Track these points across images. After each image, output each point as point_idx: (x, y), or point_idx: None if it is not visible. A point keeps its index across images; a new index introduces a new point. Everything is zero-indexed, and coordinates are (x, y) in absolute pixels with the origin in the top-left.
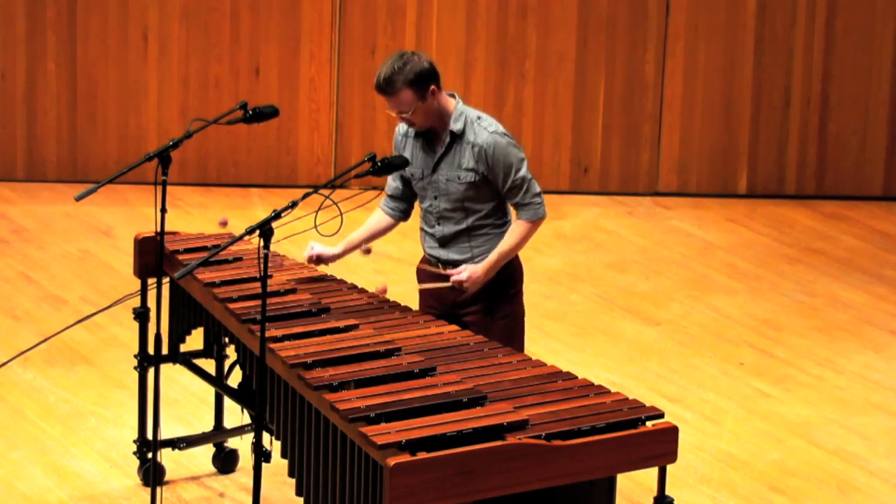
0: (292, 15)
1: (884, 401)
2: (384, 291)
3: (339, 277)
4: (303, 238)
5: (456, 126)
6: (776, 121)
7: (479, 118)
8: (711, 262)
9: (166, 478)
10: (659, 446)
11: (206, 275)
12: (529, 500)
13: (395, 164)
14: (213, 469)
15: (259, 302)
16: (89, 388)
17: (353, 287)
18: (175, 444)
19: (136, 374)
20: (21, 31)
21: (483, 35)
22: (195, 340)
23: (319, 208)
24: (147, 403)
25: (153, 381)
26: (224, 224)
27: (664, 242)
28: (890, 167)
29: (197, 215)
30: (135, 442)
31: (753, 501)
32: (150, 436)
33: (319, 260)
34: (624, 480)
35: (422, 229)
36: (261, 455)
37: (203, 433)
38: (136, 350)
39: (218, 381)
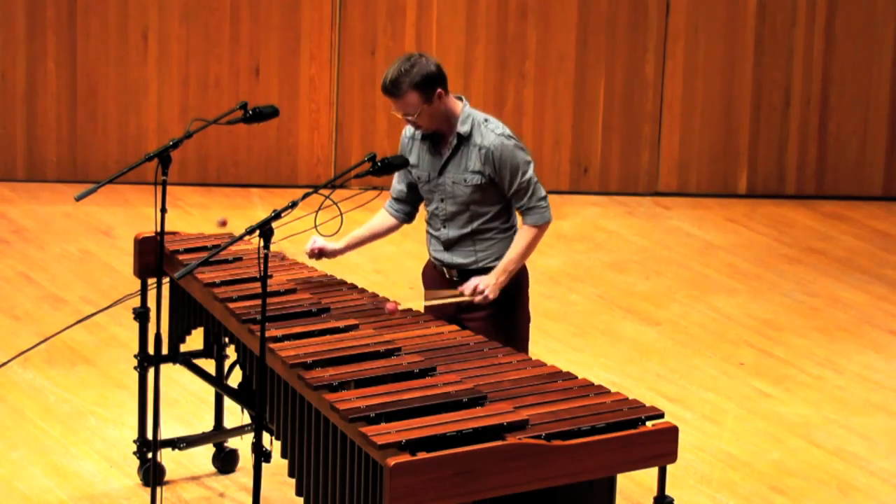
0: (292, 15)
1: (884, 401)
2: (395, 311)
3: (339, 277)
4: (303, 238)
5: (463, 129)
6: (776, 121)
7: (486, 121)
8: (711, 262)
9: (166, 478)
10: (659, 446)
11: (206, 275)
12: (529, 500)
13: (395, 164)
14: (213, 469)
15: (259, 302)
16: (89, 388)
17: (353, 287)
18: (175, 444)
19: (136, 374)
20: (21, 31)
21: (483, 35)
22: (195, 340)
23: (319, 208)
24: (147, 403)
25: (153, 381)
26: (223, 224)
27: (664, 242)
28: (890, 167)
29: (197, 215)
30: (135, 442)
31: (753, 501)
32: (150, 436)
33: (321, 254)
34: (624, 480)
35: (427, 232)
36: (261, 455)
37: (203, 433)
38: (136, 350)
39: (218, 381)
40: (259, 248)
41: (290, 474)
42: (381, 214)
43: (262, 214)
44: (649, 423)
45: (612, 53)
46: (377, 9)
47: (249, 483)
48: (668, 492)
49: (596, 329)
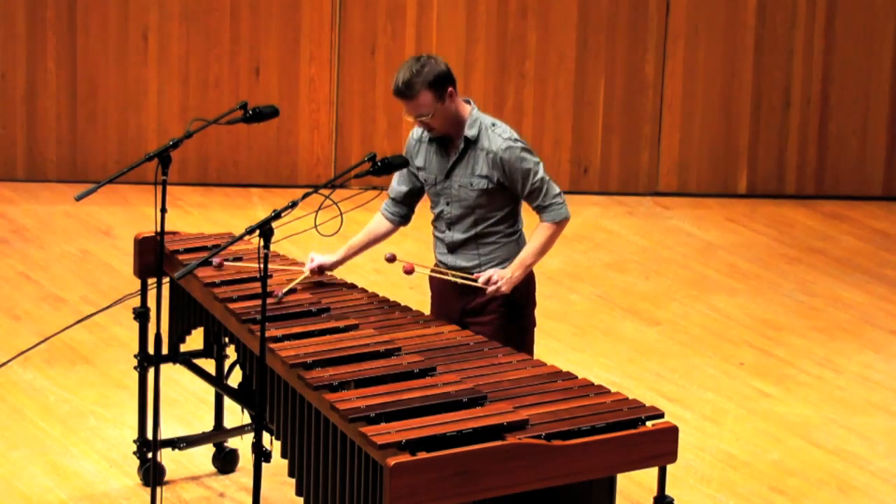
0: (292, 15)
1: (884, 401)
2: (411, 270)
3: (339, 277)
4: (303, 238)
5: (470, 132)
6: (776, 121)
7: (493, 125)
8: (711, 262)
9: (166, 478)
10: (659, 446)
11: (206, 275)
12: (529, 500)
13: (395, 164)
14: (213, 469)
15: (259, 302)
16: (89, 388)
17: (353, 287)
18: (175, 444)
19: (136, 374)
20: (21, 31)
21: (483, 35)
22: (195, 340)
23: (319, 208)
24: (147, 403)
25: (153, 381)
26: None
27: (664, 242)
28: (890, 167)
29: (197, 215)
30: (135, 442)
31: (753, 501)
32: (150, 436)
33: (321, 269)
34: (624, 480)
35: (434, 235)
36: (261, 455)
37: (203, 433)
38: (136, 350)
39: (218, 381)
40: (259, 248)
41: (290, 474)
42: (377, 219)
43: (262, 214)
44: (649, 423)
45: (612, 53)
46: (377, 9)
47: (249, 483)
48: (668, 492)
49: (596, 329)
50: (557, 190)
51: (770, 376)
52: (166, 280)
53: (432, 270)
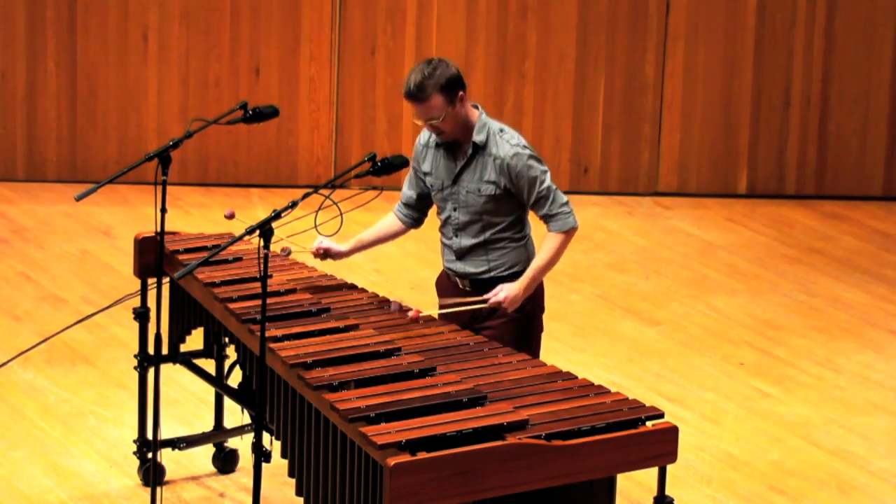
0: (292, 15)
1: (884, 401)
2: (417, 316)
3: (338, 277)
4: (303, 238)
5: (479, 137)
6: (776, 121)
7: (501, 131)
8: (711, 262)
9: (166, 478)
10: (659, 446)
11: (206, 275)
12: (529, 500)
13: (395, 164)
14: (213, 469)
15: (259, 302)
16: (89, 388)
17: (353, 287)
18: (175, 444)
19: (136, 374)
20: (21, 31)
21: (483, 35)
22: (195, 340)
23: (319, 208)
24: (147, 403)
25: (153, 381)
26: (231, 216)
27: (664, 242)
28: (890, 167)
29: (197, 215)
30: (135, 442)
31: (753, 501)
32: (150, 436)
33: (326, 254)
34: (624, 480)
35: (441, 241)
36: (261, 455)
37: (203, 433)
38: (136, 350)
39: (218, 381)
40: (259, 248)
41: (290, 474)
42: (390, 218)
43: (262, 214)
44: (649, 423)
45: (612, 53)
46: (377, 9)
47: (249, 483)
48: (668, 492)
49: (596, 329)
50: (565, 199)
51: (770, 376)
52: (166, 280)
53: (439, 314)
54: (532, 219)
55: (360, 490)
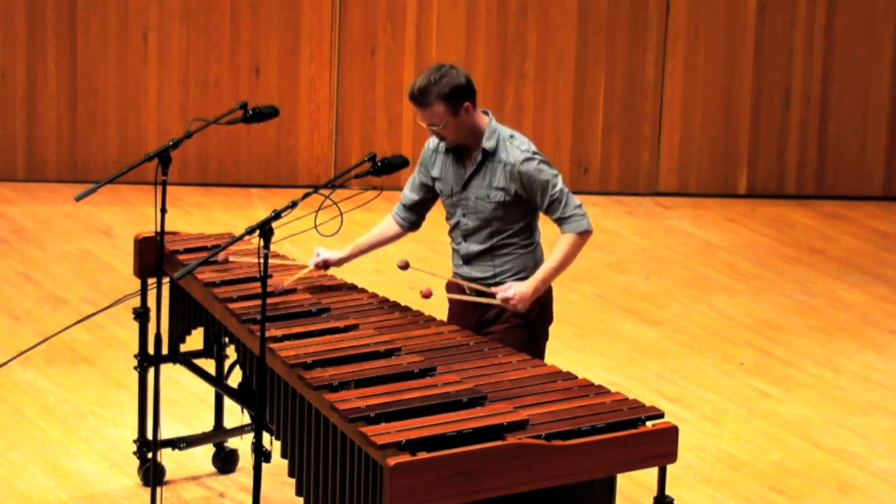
0: (292, 15)
1: (884, 401)
2: (429, 294)
3: (338, 277)
4: (303, 238)
5: (488, 144)
6: (776, 121)
7: (511, 137)
8: (711, 262)
9: (166, 478)
10: (659, 446)
11: (206, 275)
12: (529, 500)
13: (395, 164)
14: (213, 469)
15: (259, 302)
16: (89, 388)
17: (354, 287)
18: (175, 444)
19: (136, 374)
20: (21, 31)
21: (483, 35)
22: (195, 340)
23: (319, 208)
24: (147, 403)
25: (153, 381)
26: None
27: (664, 242)
28: (890, 167)
29: (197, 215)
30: (135, 442)
31: (753, 501)
32: (150, 436)
33: (326, 265)
34: (624, 480)
35: (451, 247)
36: (261, 455)
37: (203, 433)
38: (136, 350)
39: (218, 381)
40: (259, 248)
41: (290, 474)
42: (387, 221)
43: (262, 214)
44: (649, 423)
45: (612, 53)
46: (377, 9)
47: (249, 483)
48: (668, 492)
49: (596, 329)
50: (578, 202)
51: (770, 376)
52: (166, 280)
53: (449, 297)
54: (543, 226)
55: (360, 490)
